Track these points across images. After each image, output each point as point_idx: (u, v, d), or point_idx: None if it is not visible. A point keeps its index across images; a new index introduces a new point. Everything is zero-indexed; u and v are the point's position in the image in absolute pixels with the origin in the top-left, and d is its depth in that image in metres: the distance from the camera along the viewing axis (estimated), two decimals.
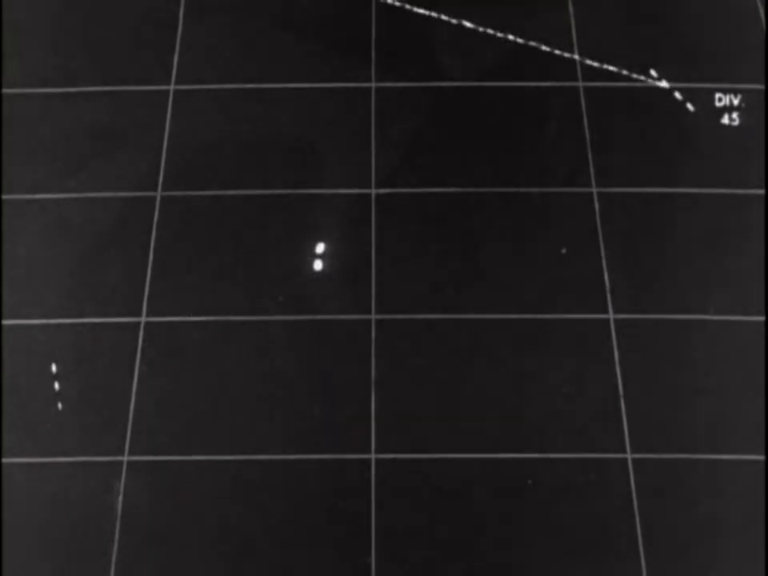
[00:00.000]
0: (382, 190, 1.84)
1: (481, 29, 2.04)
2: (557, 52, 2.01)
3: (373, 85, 1.95)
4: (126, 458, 1.59)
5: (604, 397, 1.64)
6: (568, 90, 1.95)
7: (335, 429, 1.62)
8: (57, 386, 1.66)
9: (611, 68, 1.99)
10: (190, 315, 1.71)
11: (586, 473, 1.58)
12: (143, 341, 1.69)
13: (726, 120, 1.92)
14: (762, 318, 1.70)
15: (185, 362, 1.68)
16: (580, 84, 1.95)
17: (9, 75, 1.98)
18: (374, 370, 1.66)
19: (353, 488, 1.57)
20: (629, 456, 1.59)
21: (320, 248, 1.80)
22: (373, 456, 1.59)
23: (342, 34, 2.03)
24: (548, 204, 1.82)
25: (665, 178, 1.85)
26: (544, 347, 1.69)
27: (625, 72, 1.98)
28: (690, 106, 1.94)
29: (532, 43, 2.03)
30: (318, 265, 1.78)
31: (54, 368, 1.67)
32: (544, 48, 2.02)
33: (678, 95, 1.96)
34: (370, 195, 1.83)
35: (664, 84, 1.97)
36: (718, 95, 1.95)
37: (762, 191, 1.83)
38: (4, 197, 1.83)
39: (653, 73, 1.98)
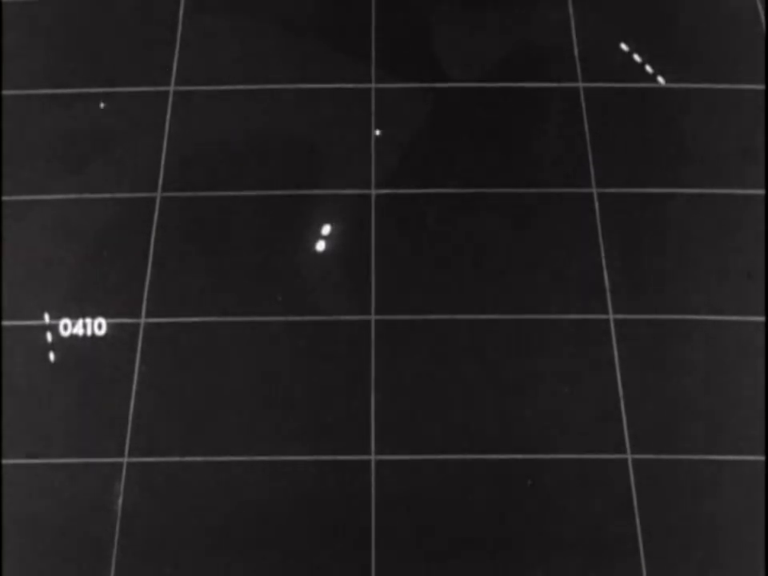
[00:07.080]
0: (382, 191, 1.84)
1: (481, 29, 2.04)
2: (557, 52, 2.01)
3: (373, 86, 1.95)
4: (125, 460, 1.59)
5: (604, 397, 1.64)
6: (568, 90, 1.95)
7: (335, 430, 1.62)
8: (56, 387, 1.66)
9: (611, 68, 1.99)
10: (189, 316, 1.71)
11: (586, 473, 1.58)
12: (143, 341, 1.69)
13: (725, 120, 1.92)
14: (762, 318, 1.70)
15: (184, 362, 1.68)
16: (580, 84, 1.95)
17: (9, 76, 1.98)
18: (374, 371, 1.66)
19: (352, 489, 1.57)
20: (629, 456, 1.59)
21: (320, 248, 1.80)
22: (373, 457, 1.59)
23: (342, 35, 2.03)
24: (548, 204, 1.82)
25: (665, 178, 1.85)
26: (544, 347, 1.69)
27: (624, 72, 1.98)
28: (689, 106, 1.94)
29: (532, 43, 2.03)
30: (317, 265, 1.78)
31: (53, 369, 1.67)
32: (544, 48, 2.02)
33: (677, 95, 1.96)
34: (369, 196, 1.83)
35: (664, 84, 1.97)
36: (716, 95, 1.95)
37: (762, 191, 1.83)
38: (4, 198, 1.83)
39: (653, 73, 1.98)
